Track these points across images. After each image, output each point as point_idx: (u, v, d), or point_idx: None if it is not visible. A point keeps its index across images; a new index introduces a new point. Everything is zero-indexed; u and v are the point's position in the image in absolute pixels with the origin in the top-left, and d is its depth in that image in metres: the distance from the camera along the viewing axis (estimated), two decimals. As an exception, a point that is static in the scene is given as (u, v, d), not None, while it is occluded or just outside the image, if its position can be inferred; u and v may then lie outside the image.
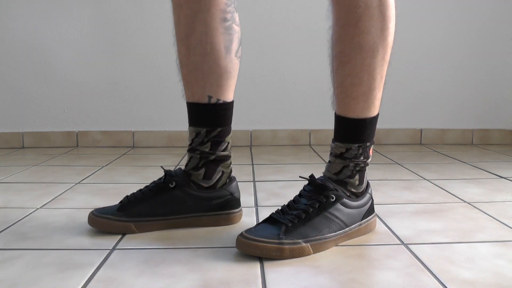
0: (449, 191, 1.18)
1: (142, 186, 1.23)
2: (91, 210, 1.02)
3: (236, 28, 0.88)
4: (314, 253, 0.77)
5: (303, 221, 0.78)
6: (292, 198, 0.88)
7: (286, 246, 0.75)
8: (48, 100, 1.90)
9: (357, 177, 0.84)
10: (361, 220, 0.84)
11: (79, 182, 1.28)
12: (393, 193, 1.16)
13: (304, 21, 1.91)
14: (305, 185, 0.84)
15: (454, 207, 1.04)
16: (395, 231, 0.88)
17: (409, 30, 1.94)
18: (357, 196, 0.85)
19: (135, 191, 1.04)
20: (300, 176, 0.81)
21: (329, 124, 1.95)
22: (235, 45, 0.89)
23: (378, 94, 0.82)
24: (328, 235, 0.79)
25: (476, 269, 0.71)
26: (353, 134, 0.83)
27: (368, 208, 0.86)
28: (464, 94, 2.00)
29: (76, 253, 0.77)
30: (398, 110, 1.98)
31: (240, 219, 0.94)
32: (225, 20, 0.86)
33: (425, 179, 1.32)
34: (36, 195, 1.15)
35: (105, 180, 1.31)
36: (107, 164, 1.54)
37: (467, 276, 0.69)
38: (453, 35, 1.96)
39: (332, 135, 1.94)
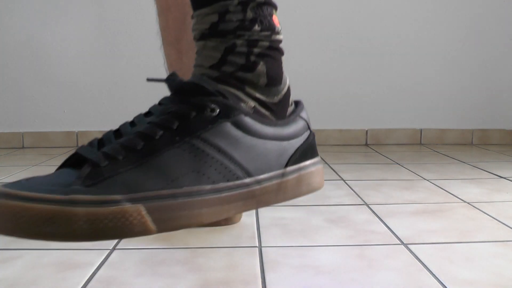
0: (449, 191, 1.18)
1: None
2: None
3: None
4: (159, 231, 0.37)
5: (136, 156, 0.39)
6: None
7: (79, 209, 0.35)
8: (48, 100, 1.90)
9: (262, 67, 0.46)
10: (285, 166, 0.46)
11: (79, 182, 1.28)
12: (393, 193, 1.16)
13: (302, 20, 1.91)
14: (164, 97, 0.46)
15: (454, 207, 1.04)
16: (395, 231, 0.88)
17: (409, 31, 1.94)
18: (273, 112, 0.47)
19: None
20: (148, 79, 0.47)
21: (330, 124, 1.95)
22: None
23: None
24: (194, 188, 0.40)
25: (476, 269, 0.71)
26: None
27: (302, 145, 0.47)
28: (464, 94, 2.00)
29: (76, 253, 0.77)
30: (398, 110, 1.98)
31: (240, 219, 0.94)
32: None
33: (425, 179, 1.32)
34: (36, 195, 1.15)
35: (105, 180, 1.31)
36: (107, 164, 1.54)
37: (467, 276, 0.69)
38: (453, 35, 1.96)
39: (333, 135, 1.95)
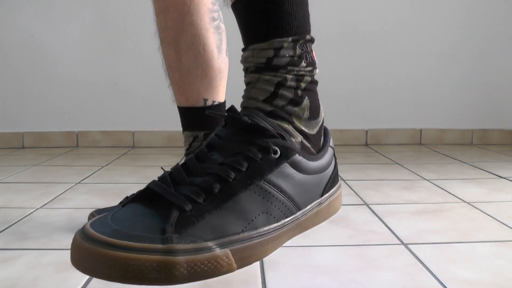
0: (449, 191, 1.18)
1: (142, 186, 1.23)
2: (91, 210, 1.01)
3: (223, 26, 0.86)
4: (238, 268, 0.42)
5: (217, 199, 0.42)
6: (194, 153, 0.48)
7: (180, 258, 0.38)
8: (48, 100, 1.90)
9: (306, 102, 0.49)
10: (321, 195, 0.50)
11: (79, 182, 1.28)
12: (393, 193, 1.16)
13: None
14: (218, 128, 0.48)
15: (454, 207, 1.04)
16: (395, 231, 0.88)
17: (408, 31, 1.94)
18: (313, 144, 0.50)
19: (135, 191, 1.04)
20: (208, 112, 0.49)
21: (330, 124, 1.95)
22: (224, 44, 0.87)
23: None
24: (265, 228, 0.43)
25: (476, 269, 0.71)
26: (280, 22, 0.48)
27: (332, 173, 0.52)
28: (464, 94, 2.00)
29: (76, 253, 0.77)
30: (398, 110, 1.98)
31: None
32: (213, 19, 0.83)
33: (425, 179, 1.32)
34: (36, 195, 1.15)
35: (105, 180, 1.31)
36: (107, 164, 1.54)
37: (467, 276, 0.69)
38: (453, 36, 1.96)
39: (333, 135, 1.95)
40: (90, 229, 0.39)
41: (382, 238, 0.84)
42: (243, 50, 0.50)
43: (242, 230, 0.42)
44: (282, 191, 0.45)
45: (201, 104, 0.86)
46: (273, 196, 0.44)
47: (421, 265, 0.72)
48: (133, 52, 1.89)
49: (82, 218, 0.96)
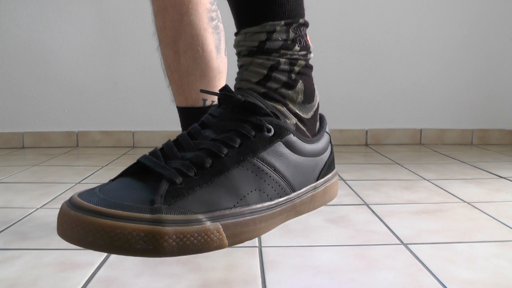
0: (449, 191, 1.18)
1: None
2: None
3: (221, 25, 0.86)
4: (230, 245, 0.41)
5: (208, 174, 0.42)
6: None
7: (169, 229, 0.38)
8: (48, 100, 1.90)
9: (300, 85, 0.50)
10: (317, 179, 0.51)
11: (79, 182, 1.28)
12: (393, 193, 1.16)
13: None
14: (212, 107, 0.54)
15: (454, 207, 1.04)
16: (395, 231, 0.88)
17: (408, 31, 1.94)
18: (308, 128, 0.51)
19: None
20: (201, 90, 0.50)
21: (330, 124, 1.95)
22: (223, 44, 0.86)
23: None
24: (258, 205, 0.43)
25: (476, 269, 0.71)
26: (273, 5, 0.48)
27: (328, 159, 0.52)
28: (464, 94, 2.00)
29: (76, 253, 0.77)
30: (398, 110, 1.98)
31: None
32: (211, 19, 0.83)
33: (424, 179, 1.32)
34: (36, 195, 1.15)
35: (105, 180, 1.31)
36: (107, 164, 1.54)
37: (467, 276, 0.69)
38: (453, 35, 1.96)
39: (333, 135, 1.95)
40: (77, 198, 0.39)
41: (382, 238, 0.84)
42: (236, 34, 0.51)
43: (234, 205, 0.42)
44: (276, 170, 0.45)
45: (200, 104, 0.86)
46: (267, 174, 0.44)
47: (421, 265, 0.72)
48: (133, 52, 1.89)
49: (82, 218, 0.96)
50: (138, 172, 0.44)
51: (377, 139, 1.99)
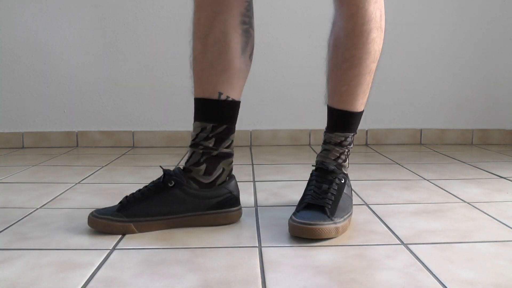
0: (448, 191, 1.18)
1: (142, 186, 1.23)
2: (91, 210, 1.02)
3: (252, 33, 0.92)
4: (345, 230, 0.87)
5: (335, 202, 0.87)
6: (308, 187, 0.93)
7: (339, 225, 0.84)
8: (48, 100, 1.90)
9: (348, 160, 0.98)
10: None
11: (79, 182, 1.28)
12: (393, 193, 1.16)
13: (304, 21, 1.91)
14: (313, 171, 0.95)
15: (454, 207, 1.04)
16: (395, 231, 0.88)
17: (409, 31, 1.94)
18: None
19: (134, 191, 1.04)
20: (313, 165, 0.95)
21: (329, 124, 1.95)
22: (250, 48, 0.91)
23: (368, 92, 0.99)
24: (351, 211, 0.91)
25: (476, 269, 0.71)
26: (351, 125, 0.96)
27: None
28: (464, 94, 2.00)
29: (76, 253, 0.77)
30: (398, 110, 1.98)
31: (239, 217, 0.94)
32: (243, 23, 0.89)
33: (424, 179, 1.32)
34: (36, 195, 1.15)
35: (105, 180, 1.31)
36: (107, 164, 1.54)
37: (467, 276, 0.69)
38: (453, 35, 1.96)
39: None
40: (294, 218, 0.86)
41: (382, 238, 0.84)
42: (328, 131, 0.98)
43: (346, 214, 0.88)
44: (348, 195, 0.94)
45: (215, 97, 0.90)
46: (349, 197, 0.93)
47: (421, 265, 0.72)
48: (133, 52, 1.89)
49: (82, 218, 0.96)
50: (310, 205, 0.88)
51: (377, 139, 1.99)
